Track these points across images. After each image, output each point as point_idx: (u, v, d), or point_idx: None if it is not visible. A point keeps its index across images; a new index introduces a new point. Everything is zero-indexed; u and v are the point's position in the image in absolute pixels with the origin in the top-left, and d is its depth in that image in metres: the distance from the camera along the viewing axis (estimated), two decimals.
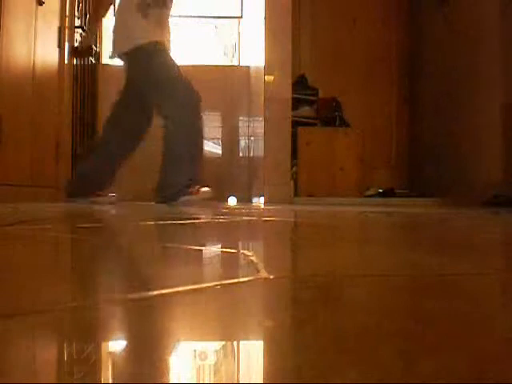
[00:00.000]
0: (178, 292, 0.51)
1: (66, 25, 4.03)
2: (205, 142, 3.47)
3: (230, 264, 0.74)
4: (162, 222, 1.71)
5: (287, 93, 4.05)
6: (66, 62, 4.04)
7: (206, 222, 1.77)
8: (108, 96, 4.90)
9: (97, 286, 0.58)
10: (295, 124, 4.22)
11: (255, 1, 4.51)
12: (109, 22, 5.15)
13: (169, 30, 3.28)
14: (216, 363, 0.32)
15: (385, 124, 5.28)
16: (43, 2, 3.49)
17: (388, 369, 0.29)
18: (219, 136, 5.11)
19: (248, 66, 5.03)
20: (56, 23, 3.91)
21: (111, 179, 3.29)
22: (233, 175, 4.95)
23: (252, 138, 4.95)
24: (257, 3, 4.36)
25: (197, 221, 1.83)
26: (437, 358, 0.31)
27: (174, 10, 3.41)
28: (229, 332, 0.39)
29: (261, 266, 0.65)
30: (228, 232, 1.46)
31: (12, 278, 0.59)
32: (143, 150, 3.41)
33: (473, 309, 0.45)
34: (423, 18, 5.03)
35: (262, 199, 4.04)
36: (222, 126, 5.12)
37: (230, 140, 5.12)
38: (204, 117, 3.25)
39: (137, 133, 3.27)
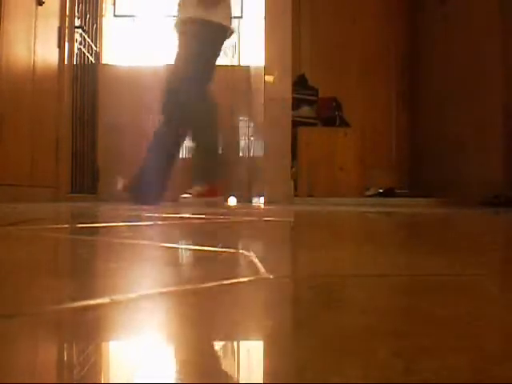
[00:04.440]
0: (177, 292, 0.51)
1: (66, 25, 4.04)
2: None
3: (229, 264, 0.74)
4: (160, 222, 1.71)
5: (287, 93, 4.04)
6: (65, 62, 4.04)
7: (205, 222, 1.77)
8: (108, 96, 4.91)
9: (97, 286, 0.58)
10: (295, 124, 4.22)
11: (255, 1, 4.51)
12: (109, 22, 5.15)
13: None
14: (216, 363, 0.32)
15: (385, 124, 5.28)
16: (43, 2, 3.49)
17: (388, 369, 0.29)
18: (219, 136, 5.10)
19: (248, 66, 5.03)
20: (56, 23, 3.91)
21: None
22: (233, 175, 4.94)
23: (252, 138, 4.94)
24: (257, 3, 4.36)
25: (196, 220, 1.83)
26: (437, 358, 0.31)
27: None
28: (228, 332, 0.39)
29: (261, 266, 0.65)
30: (228, 232, 1.46)
31: (12, 278, 0.59)
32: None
33: (472, 309, 0.45)
34: (423, 18, 5.03)
35: (261, 199, 4.04)
36: (222, 126, 5.11)
37: (230, 140, 5.11)
38: None
39: None
